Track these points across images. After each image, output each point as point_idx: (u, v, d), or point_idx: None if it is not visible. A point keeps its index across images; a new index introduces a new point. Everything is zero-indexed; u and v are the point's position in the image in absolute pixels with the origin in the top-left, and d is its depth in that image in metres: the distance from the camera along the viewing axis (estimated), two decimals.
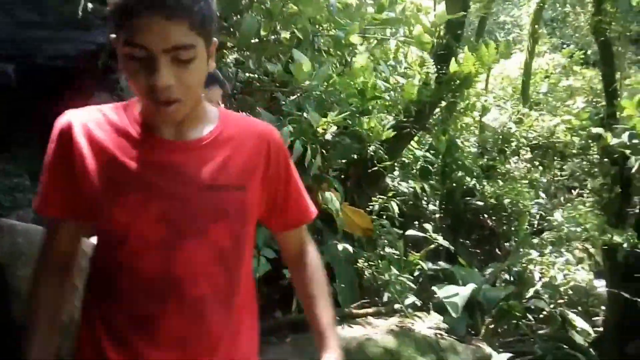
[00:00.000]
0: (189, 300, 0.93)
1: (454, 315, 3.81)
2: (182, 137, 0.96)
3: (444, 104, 5.17)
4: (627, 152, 4.86)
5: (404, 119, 4.66)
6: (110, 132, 0.94)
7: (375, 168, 4.49)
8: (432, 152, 5.55)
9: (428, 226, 4.80)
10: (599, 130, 5.07)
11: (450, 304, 3.91)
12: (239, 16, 4.47)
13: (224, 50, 4.70)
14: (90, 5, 3.32)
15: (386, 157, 4.52)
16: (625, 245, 4.78)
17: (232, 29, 4.51)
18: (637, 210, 5.26)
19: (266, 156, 1.02)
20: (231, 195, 0.96)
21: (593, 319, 5.72)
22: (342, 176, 4.55)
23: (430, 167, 5.43)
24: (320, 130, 3.99)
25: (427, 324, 3.74)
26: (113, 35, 0.86)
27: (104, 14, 3.56)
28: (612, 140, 4.95)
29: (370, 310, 3.76)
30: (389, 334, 3.41)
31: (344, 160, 4.60)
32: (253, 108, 4.00)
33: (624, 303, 5.08)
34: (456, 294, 4.01)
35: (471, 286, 4.06)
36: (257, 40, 4.48)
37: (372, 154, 4.50)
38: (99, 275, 0.98)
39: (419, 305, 4.07)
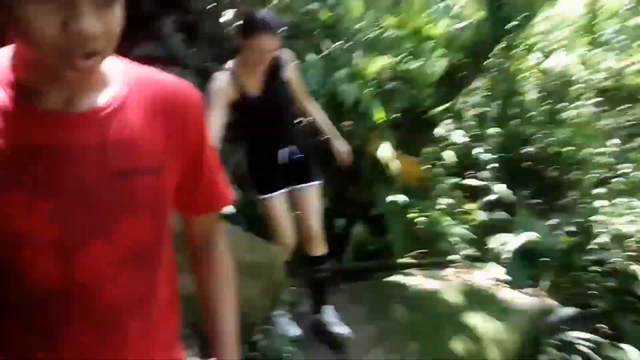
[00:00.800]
0: (97, 311, 0.77)
1: (501, 264, 3.62)
2: (74, 107, 0.72)
3: (501, 45, 4.81)
4: None
5: (460, 61, 4.36)
6: None
7: (428, 115, 4.27)
8: (488, 97, 5.22)
9: (486, 174, 4.56)
10: None
11: (504, 252, 3.73)
12: None
13: None
14: None
15: (439, 103, 4.29)
16: None
17: None
18: None
19: (183, 124, 0.81)
20: (143, 181, 0.77)
21: None
22: (394, 124, 4.37)
23: (487, 114, 5.11)
24: (373, 75, 3.80)
25: (485, 276, 3.59)
26: None
27: None
28: None
29: (425, 260, 3.65)
30: (445, 284, 3.29)
31: (395, 108, 4.41)
32: (302, 54, 3.83)
33: None
34: (509, 242, 3.82)
35: (527, 234, 3.85)
36: None
37: (425, 99, 4.28)
38: None
39: (477, 257, 3.91)
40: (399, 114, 4.13)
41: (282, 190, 2.65)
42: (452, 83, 4.45)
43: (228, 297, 0.98)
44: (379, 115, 3.58)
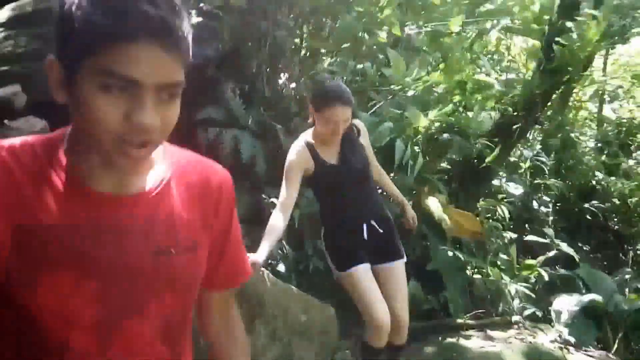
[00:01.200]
0: None
1: (566, 325, 3.40)
2: (124, 190, 0.76)
3: (556, 95, 4.74)
4: None
5: (513, 114, 4.32)
6: (28, 180, 0.72)
7: (482, 167, 4.21)
8: (544, 149, 5.10)
9: (549, 231, 4.39)
10: None
11: (567, 313, 3.51)
12: (331, 20, 4.46)
13: (320, 56, 4.71)
14: (197, 19, 3.48)
15: (494, 155, 4.22)
16: None
17: (325, 33, 4.51)
18: None
19: (216, 204, 0.85)
20: (181, 259, 0.79)
21: None
22: (446, 177, 4.33)
23: (543, 166, 4.99)
24: (421, 128, 3.82)
25: (549, 337, 3.40)
26: (59, 58, 0.69)
27: (211, 28, 3.72)
28: None
29: (485, 321, 3.50)
30: (508, 346, 3.13)
31: (448, 160, 4.38)
32: (353, 112, 3.93)
33: None
34: (575, 302, 3.60)
35: (591, 296, 3.63)
36: (350, 43, 4.44)
37: (479, 152, 4.23)
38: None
39: (539, 316, 3.72)
40: (448, 168, 4.11)
41: (367, 265, 2.34)
42: (506, 135, 4.39)
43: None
44: (421, 166, 3.57)
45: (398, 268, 2.38)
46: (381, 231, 2.36)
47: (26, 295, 0.70)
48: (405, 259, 2.43)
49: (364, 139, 2.45)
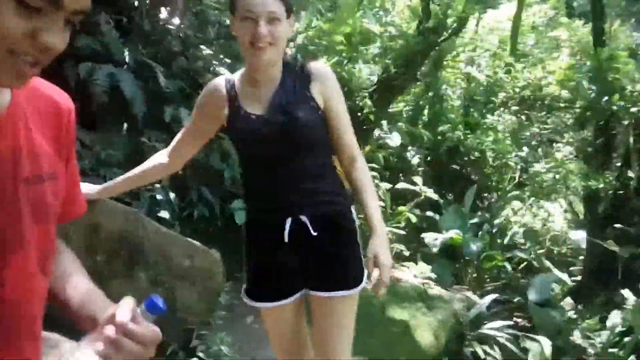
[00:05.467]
0: (23, 325, 0.76)
1: (428, 262, 3.85)
2: None
3: (432, 54, 5.07)
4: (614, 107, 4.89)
5: (394, 70, 4.56)
6: None
7: (363, 119, 4.42)
8: (419, 104, 5.48)
9: (417, 179, 4.80)
10: (585, 82, 5.07)
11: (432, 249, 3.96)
12: None
13: None
14: None
15: (374, 108, 4.45)
16: (606, 188, 4.87)
17: None
18: (619, 163, 5.36)
19: (65, 132, 0.83)
20: (47, 187, 0.77)
21: (570, 268, 5.93)
22: None
23: (417, 120, 5.37)
24: None
25: (414, 273, 3.80)
26: None
27: None
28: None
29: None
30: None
31: None
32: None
33: (602, 252, 5.26)
34: (436, 239, 4.08)
35: (451, 232, 4.13)
36: None
37: (360, 104, 4.43)
38: None
39: (407, 255, 4.13)
40: None
41: (286, 301, 1.60)
42: (387, 89, 4.63)
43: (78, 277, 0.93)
44: None
45: (338, 302, 1.55)
46: (314, 234, 1.51)
47: None
48: (358, 288, 1.55)
49: (321, 90, 1.53)
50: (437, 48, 4.86)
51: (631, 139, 5.09)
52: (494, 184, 5.64)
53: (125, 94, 3.08)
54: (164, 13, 3.89)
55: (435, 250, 3.93)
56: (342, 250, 1.57)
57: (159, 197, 2.80)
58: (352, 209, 1.61)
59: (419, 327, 3.22)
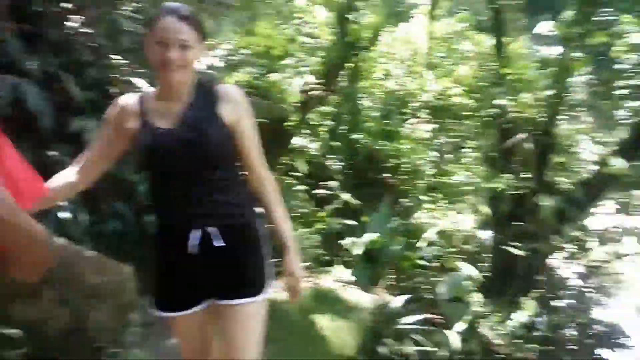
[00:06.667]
0: None
1: (347, 266, 4.02)
2: None
3: (349, 65, 5.28)
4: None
5: (314, 81, 4.71)
6: None
7: (285, 128, 4.53)
8: (338, 114, 5.68)
9: (334, 184, 4.97)
10: (489, 93, 5.52)
11: (352, 253, 4.12)
12: None
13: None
14: None
15: (295, 118, 4.57)
16: (508, 189, 5.31)
17: None
18: (519, 166, 5.87)
19: None
20: None
21: (479, 265, 6.38)
22: None
23: (336, 129, 5.57)
24: None
25: (333, 278, 3.94)
26: None
27: None
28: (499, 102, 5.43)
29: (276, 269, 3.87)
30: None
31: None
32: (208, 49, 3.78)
33: (505, 249, 5.72)
34: (355, 243, 4.26)
35: (369, 235, 4.33)
36: None
37: (282, 115, 4.53)
38: None
39: (327, 260, 4.27)
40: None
41: (191, 311, 1.66)
42: (307, 99, 4.77)
43: None
44: None
45: (246, 310, 1.61)
46: (223, 244, 1.57)
47: None
48: (264, 295, 1.64)
49: (230, 109, 1.59)
50: (353, 60, 5.08)
51: (530, 144, 5.59)
52: (409, 188, 5.95)
53: (30, 106, 2.96)
54: (76, 22, 3.75)
55: (354, 254, 4.11)
56: (247, 259, 1.64)
57: (65, 215, 2.72)
58: (258, 220, 1.69)
59: (337, 330, 3.36)
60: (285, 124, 4.40)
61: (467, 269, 5.38)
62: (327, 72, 4.61)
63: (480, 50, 6.49)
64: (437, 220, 5.73)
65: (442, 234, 5.61)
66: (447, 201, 5.69)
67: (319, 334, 3.16)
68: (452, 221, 5.57)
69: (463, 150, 6.22)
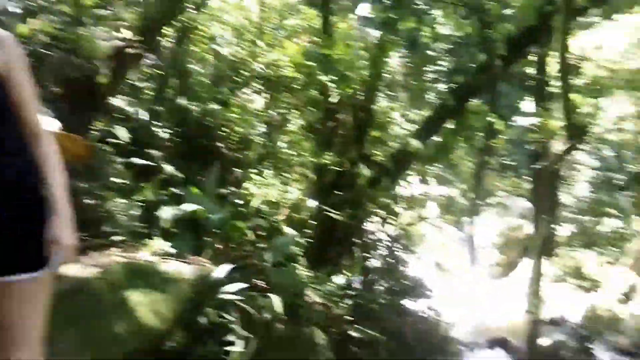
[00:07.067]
0: None
1: (166, 238, 3.85)
2: None
3: (176, 25, 4.99)
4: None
5: (132, 37, 4.33)
6: None
7: (98, 89, 4.11)
8: (164, 76, 5.36)
9: (157, 153, 4.72)
10: (315, 69, 5.73)
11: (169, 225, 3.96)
12: None
13: None
14: None
15: (111, 77, 4.18)
16: (331, 162, 5.67)
17: None
18: (341, 140, 6.27)
19: None
20: None
21: (305, 231, 6.72)
22: (56, 97, 4.03)
23: (161, 93, 5.26)
24: (20, 38, 3.38)
25: (152, 250, 3.78)
26: None
27: None
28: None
29: (91, 243, 3.57)
30: (112, 265, 3.33)
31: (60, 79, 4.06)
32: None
33: (327, 217, 6.12)
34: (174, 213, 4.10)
35: (189, 206, 4.21)
36: None
37: (93, 72, 4.09)
38: None
39: (146, 233, 4.06)
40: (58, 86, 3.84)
41: None
42: (125, 57, 4.37)
43: None
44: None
45: (24, 287, 1.47)
46: None
47: None
48: (49, 269, 1.50)
49: (8, 58, 1.47)
50: (179, 18, 4.79)
51: (351, 120, 6.00)
52: (239, 158, 5.95)
53: None
54: None
55: (170, 225, 3.97)
56: (24, 227, 1.48)
57: None
58: (41, 183, 1.53)
59: (152, 304, 3.24)
60: (99, 83, 3.99)
61: (292, 236, 5.64)
62: (146, 28, 4.26)
63: (309, 26, 6.68)
64: (267, 189, 5.86)
65: (270, 203, 5.76)
66: (276, 172, 5.83)
67: (131, 310, 3.02)
68: (280, 191, 5.75)
69: (291, 123, 6.41)
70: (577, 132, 4.09)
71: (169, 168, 4.53)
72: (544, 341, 7.77)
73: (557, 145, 4.13)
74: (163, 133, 5.63)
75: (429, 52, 7.34)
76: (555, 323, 11.47)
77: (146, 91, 5.21)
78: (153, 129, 5.46)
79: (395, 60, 7.06)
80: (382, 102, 6.44)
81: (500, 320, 10.70)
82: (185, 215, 4.03)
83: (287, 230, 5.79)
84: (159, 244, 3.78)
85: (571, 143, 4.06)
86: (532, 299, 4.60)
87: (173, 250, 3.82)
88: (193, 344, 3.44)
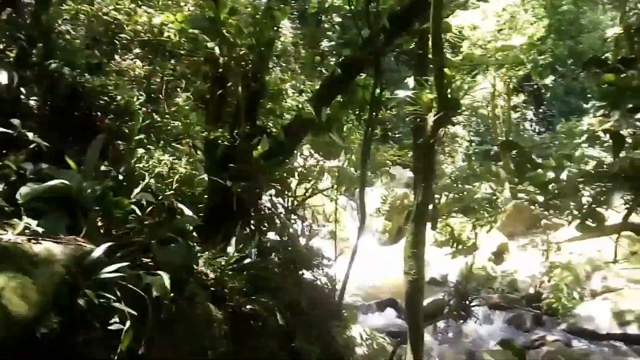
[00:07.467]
0: None
1: (34, 217, 3.48)
2: None
3: None
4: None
5: None
6: None
7: None
8: (28, 36, 4.75)
9: (15, 121, 4.22)
10: (202, 36, 5.45)
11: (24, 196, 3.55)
12: None
13: None
14: None
15: None
16: (220, 139, 5.48)
17: None
18: (232, 111, 6.09)
19: None
20: None
21: (199, 206, 6.49)
22: None
23: (26, 56, 4.67)
24: None
25: (18, 231, 3.39)
26: None
27: None
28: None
29: None
30: None
31: None
32: None
33: (220, 190, 5.97)
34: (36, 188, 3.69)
35: (53, 182, 3.81)
36: None
37: None
38: None
39: (12, 211, 3.63)
40: None
41: None
42: None
43: None
44: None
45: None
46: None
47: None
48: None
49: None
50: None
51: (240, 91, 5.82)
52: (122, 130, 5.52)
53: None
54: None
55: (36, 202, 3.59)
56: None
57: None
58: None
59: (20, 289, 2.93)
60: None
61: (185, 210, 5.41)
62: None
63: None
64: (155, 164, 5.54)
65: (158, 177, 5.45)
66: (164, 144, 5.51)
67: None
68: (169, 164, 5.45)
69: (178, 92, 6.08)
70: (448, 105, 4.35)
71: (37, 139, 4.07)
72: (426, 300, 8.39)
73: (432, 118, 4.37)
74: (30, 101, 5.03)
75: (319, 24, 7.36)
76: (437, 283, 12.52)
77: (7, 52, 4.59)
78: (21, 96, 4.86)
79: (286, 31, 6.97)
80: (274, 74, 6.35)
81: (390, 284, 11.40)
82: (54, 191, 3.66)
83: (179, 204, 5.55)
84: (26, 222, 3.40)
85: (441, 115, 4.31)
86: (409, 261, 4.92)
87: (41, 230, 3.47)
88: (72, 329, 3.19)
